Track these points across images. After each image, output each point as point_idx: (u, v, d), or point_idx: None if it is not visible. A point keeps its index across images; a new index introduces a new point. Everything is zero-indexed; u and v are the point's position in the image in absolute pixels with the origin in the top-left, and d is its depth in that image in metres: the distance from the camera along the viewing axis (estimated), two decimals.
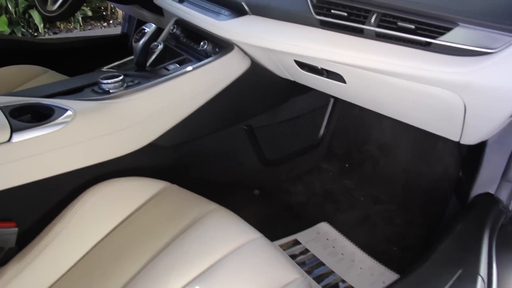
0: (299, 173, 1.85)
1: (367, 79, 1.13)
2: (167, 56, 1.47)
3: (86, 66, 2.15)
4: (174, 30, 1.51)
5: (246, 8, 1.27)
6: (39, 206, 1.09)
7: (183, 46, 1.47)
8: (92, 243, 1.00)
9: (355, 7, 1.06)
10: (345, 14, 1.07)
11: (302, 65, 1.28)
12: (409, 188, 1.69)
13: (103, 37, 2.27)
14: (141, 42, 1.28)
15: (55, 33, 4.33)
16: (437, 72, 0.91)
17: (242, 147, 1.57)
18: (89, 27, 4.63)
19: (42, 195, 1.08)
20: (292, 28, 1.19)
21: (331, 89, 1.34)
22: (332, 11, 1.10)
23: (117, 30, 4.37)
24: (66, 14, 1.55)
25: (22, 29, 4.21)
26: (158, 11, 1.77)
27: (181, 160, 1.39)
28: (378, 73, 1.07)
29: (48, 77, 1.78)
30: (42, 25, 4.16)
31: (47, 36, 4.24)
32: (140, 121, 1.17)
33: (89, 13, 4.68)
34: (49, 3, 1.64)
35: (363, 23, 1.05)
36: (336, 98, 1.82)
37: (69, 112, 1.06)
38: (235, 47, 1.33)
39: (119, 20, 4.83)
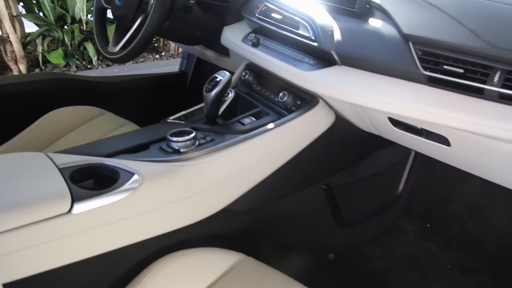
0: (376, 233, 1.66)
1: (479, 144, 0.96)
2: (238, 105, 1.33)
3: (144, 107, 2.06)
4: (247, 77, 1.37)
5: (336, 58, 1.12)
6: (100, 282, 0.97)
7: (257, 95, 1.32)
8: None
9: (474, 62, 0.89)
10: (461, 70, 0.90)
11: (396, 123, 1.12)
12: (505, 256, 1.47)
13: (161, 75, 2.17)
14: (214, 92, 1.13)
15: (108, 65, 4.31)
16: None
17: (320, 207, 1.41)
18: (142, 59, 4.60)
19: (103, 270, 0.96)
20: (391, 83, 1.03)
21: (428, 150, 1.17)
22: (444, 66, 0.93)
23: (169, 63, 4.33)
24: (128, 57, 1.43)
25: (77, 62, 4.21)
26: (224, 51, 1.64)
27: (255, 226, 1.23)
28: (496, 140, 0.90)
29: (105, 119, 1.68)
30: (96, 58, 4.15)
31: (100, 69, 4.22)
32: (213, 185, 1.02)
33: None
34: (110, 44, 1.53)
35: (484, 82, 0.89)
36: (417, 152, 1.63)
37: (135, 177, 0.92)
38: (320, 101, 1.18)
39: (171, 52, 4.79)
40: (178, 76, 2.21)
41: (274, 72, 1.27)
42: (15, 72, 3.99)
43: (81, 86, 1.86)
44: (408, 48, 1.00)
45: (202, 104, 1.30)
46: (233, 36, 1.47)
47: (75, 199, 0.84)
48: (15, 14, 4.09)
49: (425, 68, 0.96)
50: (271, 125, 1.10)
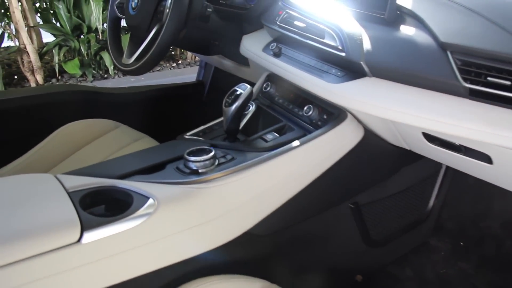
0: (405, 252, 1.57)
1: None
2: (260, 119, 1.26)
3: (160, 118, 1.99)
4: (268, 89, 1.29)
5: (366, 69, 1.03)
6: None
7: (280, 108, 1.24)
8: None
9: None
10: (508, 83, 0.81)
11: (431, 139, 1.03)
12: None
13: (177, 85, 2.10)
14: (234, 107, 1.06)
15: (124, 74, 4.27)
16: None
17: (347, 227, 1.32)
18: (158, 68, 4.55)
19: None
20: (426, 96, 0.94)
21: (465, 167, 1.08)
22: (488, 78, 0.84)
23: (186, 71, 4.28)
24: (143, 69, 1.36)
25: (93, 71, 4.18)
26: (243, 60, 1.57)
27: (279, 249, 1.15)
28: None
29: (120, 132, 1.62)
30: (112, 67, 4.11)
31: (116, 78, 4.18)
32: (234, 208, 0.95)
33: None
34: (124, 56, 1.47)
35: None
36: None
37: (150, 201, 0.85)
38: (349, 115, 1.09)
39: (188, 61, 4.74)
40: (196, 86, 2.14)
41: (298, 84, 1.19)
42: (32, 83, 3.98)
43: (95, 98, 1.81)
44: (446, 58, 0.92)
45: (221, 119, 1.23)
46: (253, 45, 1.40)
47: (85, 227, 0.77)
48: (32, 25, 4.08)
49: (466, 80, 0.88)
50: (296, 143, 1.02)
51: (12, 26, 3.94)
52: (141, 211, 0.83)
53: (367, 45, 1.04)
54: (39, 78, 3.99)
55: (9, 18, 3.94)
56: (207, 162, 0.95)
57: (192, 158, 0.95)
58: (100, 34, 4.17)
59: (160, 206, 0.85)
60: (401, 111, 0.96)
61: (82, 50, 4.05)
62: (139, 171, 0.96)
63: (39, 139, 1.50)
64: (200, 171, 0.94)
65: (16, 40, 3.98)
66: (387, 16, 1.08)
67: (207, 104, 2.11)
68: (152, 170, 0.98)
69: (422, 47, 0.97)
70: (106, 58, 4.07)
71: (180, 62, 4.76)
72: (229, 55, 1.62)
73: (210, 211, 0.91)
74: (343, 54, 1.07)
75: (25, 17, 3.92)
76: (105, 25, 4.28)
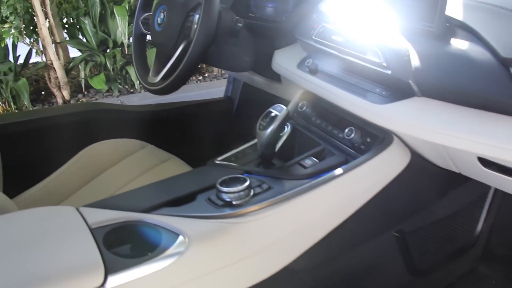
0: (452, 281, 1.45)
1: None
2: (296, 141, 1.17)
3: (188, 137, 1.92)
4: (304, 108, 1.20)
5: (415, 88, 0.93)
6: None
7: (317, 129, 1.15)
8: None
9: None
10: None
11: (488, 163, 0.92)
12: None
13: (205, 102, 2.02)
14: (270, 130, 0.97)
15: None
16: None
17: (390, 257, 1.22)
18: None
19: None
20: (484, 119, 0.85)
21: None
22: None
23: (213, 85, 4.22)
24: (170, 88, 1.29)
25: (119, 86, 4.15)
26: (274, 76, 1.48)
27: (319, 284, 1.05)
28: None
29: (147, 153, 1.56)
30: (138, 82, 4.07)
31: (142, 93, 4.15)
32: (272, 244, 0.86)
33: None
34: (150, 74, 1.40)
35: None
36: None
37: (181, 239, 0.77)
38: (395, 138, 1.00)
39: (215, 74, 4.68)
40: (224, 102, 2.06)
41: (338, 104, 1.09)
42: (59, 99, 3.97)
43: (120, 116, 1.75)
44: (508, 75, 0.82)
45: (254, 141, 1.15)
46: (286, 61, 1.31)
47: (109, 270, 0.70)
48: (58, 41, 4.08)
49: None
50: (339, 170, 0.93)
51: (40, 42, 3.94)
52: (171, 250, 0.76)
53: (415, 61, 0.95)
54: (66, 93, 3.98)
55: (37, 34, 3.95)
56: (241, 193, 0.86)
57: (225, 189, 0.86)
58: (126, 49, 4.14)
59: (191, 244, 0.77)
60: (455, 135, 0.87)
61: (108, 65, 4.03)
62: (167, 203, 0.88)
63: (64, 160, 1.46)
64: (234, 203, 0.86)
65: (44, 56, 3.99)
66: (435, 28, 0.98)
67: (236, 121, 2.03)
68: (181, 202, 0.90)
69: (479, 63, 0.87)
70: (132, 72, 4.03)
71: (206, 75, 4.70)
72: (260, 71, 1.54)
73: (246, 248, 0.83)
74: (388, 72, 0.97)
75: (52, 33, 3.93)
76: (130, 39, 4.27)
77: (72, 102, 4.01)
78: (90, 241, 0.74)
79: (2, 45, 3.78)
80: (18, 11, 3.60)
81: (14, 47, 3.90)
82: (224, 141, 1.90)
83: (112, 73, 4.12)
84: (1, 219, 0.81)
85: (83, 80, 4.11)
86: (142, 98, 3.98)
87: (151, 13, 1.44)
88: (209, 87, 4.14)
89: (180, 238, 0.77)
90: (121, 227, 0.80)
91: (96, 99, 4.05)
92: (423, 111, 0.92)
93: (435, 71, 0.93)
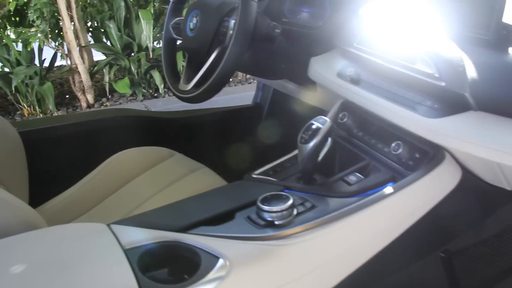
0: None
1: None
2: (336, 154, 1.10)
3: (217, 145, 1.87)
4: (345, 119, 1.13)
5: (471, 101, 0.86)
6: None
7: (359, 142, 1.09)
8: None
9: None
10: None
11: None
12: None
13: (234, 109, 1.97)
14: (313, 144, 0.91)
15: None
16: None
17: (435, 278, 1.15)
18: None
19: None
20: None
21: None
22: None
23: (237, 90, 4.17)
24: (203, 97, 1.23)
25: (143, 90, 4.13)
26: (309, 84, 1.42)
27: None
28: None
29: (175, 162, 1.52)
30: (162, 86, 4.05)
31: (166, 97, 4.12)
32: (316, 267, 0.80)
33: None
34: (181, 81, 1.35)
35: None
36: None
37: (221, 262, 0.72)
38: (447, 155, 0.93)
39: (239, 78, 4.63)
40: (253, 109, 2.01)
41: (383, 116, 1.03)
42: (83, 102, 3.97)
43: (148, 123, 1.72)
44: None
45: (292, 154, 1.09)
46: (324, 69, 1.25)
47: None
48: (83, 45, 4.08)
49: None
50: (389, 189, 0.86)
51: (65, 46, 3.95)
52: (211, 274, 0.70)
53: (471, 72, 0.88)
54: (90, 97, 3.98)
55: (62, 38, 3.96)
56: (284, 212, 0.80)
57: (267, 208, 0.80)
58: (151, 53, 4.13)
59: (233, 268, 0.71)
60: None
61: (133, 69, 4.01)
62: (204, 221, 0.83)
63: (91, 168, 1.43)
64: (276, 223, 0.80)
65: (68, 59, 3.99)
66: (491, 37, 0.91)
67: (266, 129, 1.97)
68: (219, 221, 0.84)
69: None
70: (156, 77, 4.01)
71: (230, 79, 4.66)
72: (293, 78, 1.48)
73: (289, 272, 0.77)
74: (441, 83, 0.90)
75: (77, 37, 3.93)
76: (155, 43, 4.25)
77: (96, 106, 4.01)
78: (124, 264, 0.69)
79: (29, 49, 3.80)
80: (45, 15, 3.61)
81: (40, 50, 3.91)
82: (254, 150, 1.85)
83: (136, 77, 4.10)
84: (30, 236, 0.76)
85: (107, 84, 4.10)
86: (166, 103, 3.95)
87: (182, 18, 1.40)
88: (233, 92, 4.09)
89: (221, 261, 0.72)
90: (156, 248, 0.74)
91: (120, 103, 4.03)
92: (480, 127, 0.85)
93: (493, 83, 0.86)
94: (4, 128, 1.26)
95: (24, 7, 3.85)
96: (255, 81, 2.20)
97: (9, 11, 3.85)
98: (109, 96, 4.15)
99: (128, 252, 0.71)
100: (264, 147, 1.89)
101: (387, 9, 1.18)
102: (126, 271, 0.67)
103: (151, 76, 4.10)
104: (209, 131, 1.87)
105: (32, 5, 3.54)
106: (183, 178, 1.42)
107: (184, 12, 1.40)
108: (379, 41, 1.08)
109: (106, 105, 4.02)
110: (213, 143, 1.86)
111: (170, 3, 1.45)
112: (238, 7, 1.12)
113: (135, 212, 1.28)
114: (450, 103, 0.91)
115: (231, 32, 1.17)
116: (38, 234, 0.78)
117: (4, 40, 3.84)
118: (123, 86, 3.96)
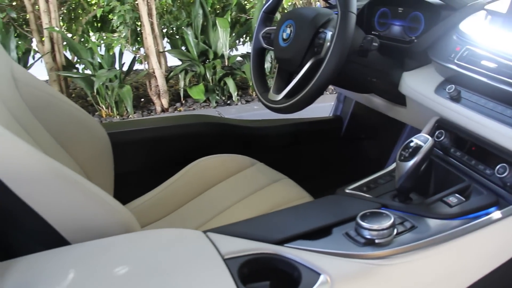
0: None
1: None
2: (432, 174, 1.07)
3: (298, 157, 1.86)
4: (442, 138, 1.09)
5: None
6: None
7: (458, 163, 1.04)
8: None
9: None
10: None
11: None
12: None
13: (313, 120, 1.95)
14: (413, 162, 0.88)
15: (247, 101, 4.25)
16: None
17: None
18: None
19: None
20: None
21: None
22: None
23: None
24: (295, 108, 1.22)
25: (217, 97, 4.20)
26: (398, 99, 1.38)
27: None
28: None
29: (256, 171, 1.51)
30: (235, 93, 4.09)
31: (239, 105, 4.16)
32: None
33: None
34: (271, 91, 1.35)
35: None
36: None
37: (322, 278, 0.70)
38: None
39: None
40: (332, 121, 1.98)
41: (487, 136, 0.98)
42: (158, 106, 4.07)
43: (228, 130, 1.73)
44: None
45: (386, 170, 1.06)
46: (420, 85, 1.20)
47: None
48: (161, 50, 4.19)
49: None
50: (497, 214, 0.82)
51: (142, 51, 4.08)
52: None
53: None
54: (165, 102, 4.08)
55: (140, 43, 4.09)
56: (385, 231, 0.78)
57: (367, 225, 0.78)
58: (226, 60, 4.19)
59: (334, 285, 0.69)
60: None
61: (207, 75, 4.08)
62: (302, 235, 0.82)
63: (172, 172, 1.45)
64: (377, 241, 0.78)
65: (145, 64, 4.12)
66: None
67: (345, 142, 1.94)
68: (316, 233, 0.83)
69: None
70: (230, 84, 4.06)
71: None
72: (383, 93, 1.45)
73: None
74: None
75: (155, 43, 4.05)
76: (228, 51, 4.30)
77: (170, 110, 4.10)
78: (226, 273, 0.68)
79: (111, 53, 3.95)
80: (127, 21, 3.75)
81: (121, 55, 4.06)
82: (335, 163, 1.82)
83: (210, 83, 4.17)
84: (126, 239, 0.78)
85: (182, 89, 4.19)
86: (239, 110, 3.99)
87: (273, 28, 1.40)
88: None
89: (322, 277, 0.70)
90: (256, 259, 0.74)
91: (194, 109, 4.11)
92: None
93: None
94: (95, 129, 1.30)
95: (107, 14, 4.01)
96: (327, 93, 2.16)
97: (94, 17, 4.02)
98: (183, 102, 4.24)
99: (228, 262, 0.71)
100: (345, 161, 1.86)
101: (489, 25, 1.14)
102: (227, 281, 0.67)
103: (225, 83, 4.15)
104: (287, 141, 1.86)
105: (117, 11, 3.68)
106: (265, 188, 1.41)
107: (275, 22, 1.40)
108: (485, 58, 1.03)
109: (180, 110, 4.11)
110: (291, 153, 1.85)
111: (261, 13, 1.46)
112: (337, 19, 1.11)
113: (216, 219, 1.29)
114: None
115: (328, 44, 1.16)
116: (136, 236, 0.79)
117: (87, 44, 4.01)
118: (197, 92, 4.04)
